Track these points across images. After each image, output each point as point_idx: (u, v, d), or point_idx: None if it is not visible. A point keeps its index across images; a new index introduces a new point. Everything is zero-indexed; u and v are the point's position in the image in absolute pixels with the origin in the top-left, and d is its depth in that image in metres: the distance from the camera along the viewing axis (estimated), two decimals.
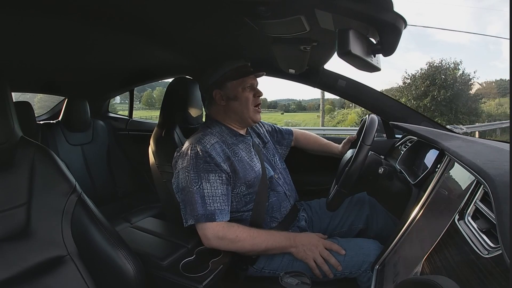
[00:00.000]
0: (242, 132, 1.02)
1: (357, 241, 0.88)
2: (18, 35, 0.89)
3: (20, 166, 0.66)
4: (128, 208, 1.66)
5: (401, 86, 12.70)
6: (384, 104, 1.25)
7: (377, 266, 0.76)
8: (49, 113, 2.12)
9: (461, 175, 0.62)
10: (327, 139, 1.29)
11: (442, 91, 11.30)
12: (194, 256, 0.80)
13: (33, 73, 1.45)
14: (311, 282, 0.69)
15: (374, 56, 0.63)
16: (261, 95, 0.99)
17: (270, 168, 1.00)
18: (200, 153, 0.86)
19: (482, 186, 0.51)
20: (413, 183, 0.80)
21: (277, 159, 1.09)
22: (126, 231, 0.91)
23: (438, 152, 0.80)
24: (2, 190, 0.62)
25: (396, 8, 0.54)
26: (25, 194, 0.65)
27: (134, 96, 2.17)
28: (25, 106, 1.61)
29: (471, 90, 12.18)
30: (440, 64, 11.95)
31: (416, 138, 1.01)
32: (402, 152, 1.02)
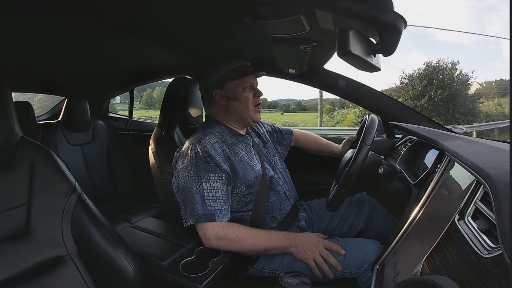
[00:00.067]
0: (242, 132, 1.02)
1: (357, 241, 0.88)
2: (18, 35, 0.89)
3: (20, 166, 0.66)
4: (128, 208, 1.66)
5: (399, 86, 12.68)
6: (384, 104, 1.25)
7: (377, 266, 0.76)
8: (49, 113, 2.12)
9: (461, 175, 0.62)
10: (327, 139, 1.29)
11: (440, 91, 11.26)
12: (194, 256, 0.80)
13: (33, 73, 1.45)
14: (311, 282, 0.69)
15: (374, 56, 0.63)
16: (261, 95, 0.99)
17: (270, 168, 1.00)
18: (200, 153, 0.86)
19: (482, 186, 0.51)
20: (413, 183, 0.80)
21: (277, 159, 1.09)
22: (126, 231, 0.91)
23: (438, 152, 0.80)
24: (2, 190, 0.62)
25: (396, 8, 0.54)
26: (25, 194, 0.65)
27: (134, 96, 2.17)
28: (25, 106, 1.61)
29: (469, 90, 12.14)
30: (437, 64, 11.93)
31: (416, 138, 1.01)
32: (402, 152, 1.02)
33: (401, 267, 0.66)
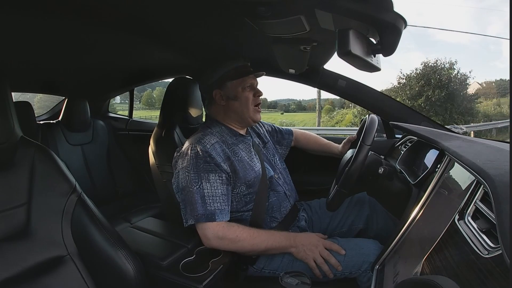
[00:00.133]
0: (242, 132, 1.02)
1: (357, 241, 0.89)
2: (18, 35, 0.89)
3: (20, 166, 0.66)
4: (128, 208, 1.66)
5: (396, 86, 12.59)
6: (384, 104, 1.25)
7: (377, 266, 0.76)
8: (49, 113, 2.12)
9: (461, 175, 0.62)
10: (326, 139, 1.29)
11: (437, 91, 11.19)
12: (194, 256, 0.81)
13: (33, 73, 1.45)
14: (311, 282, 0.69)
15: (374, 56, 0.63)
16: (261, 94, 0.99)
17: (270, 168, 1.00)
18: (200, 153, 0.86)
19: (482, 186, 0.51)
20: (413, 183, 0.80)
21: (277, 159, 1.09)
22: (126, 231, 0.91)
23: (438, 152, 0.80)
24: (2, 190, 0.62)
25: (396, 8, 0.54)
26: (25, 194, 0.65)
27: (134, 96, 2.17)
28: (25, 106, 1.61)
29: (467, 90, 12.08)
30: (435, 64, 11.86)
31: (416, 138, 1.01)
32: (402, 152, 1.02)
33: (401, 267, 0.66)
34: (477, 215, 0.50)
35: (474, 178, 0.54)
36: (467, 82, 11.95)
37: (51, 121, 1.79)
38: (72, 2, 0.71)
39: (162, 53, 1.25)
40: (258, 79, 1.02)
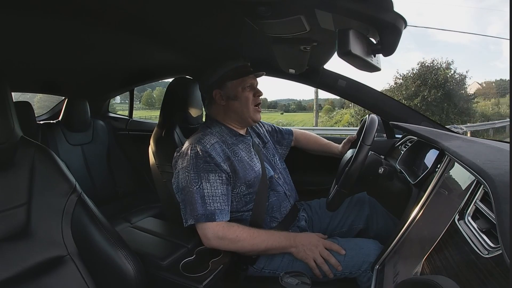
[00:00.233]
0: (242, 132, 1.02)
1: (357, 241, 0.88)
2: (18, 35, 0.89)
3: (20, 166, 0.66)
4: (128, 208, 1.66)
5: (393, 86, 12.51)
6: (384, 104, 1.25)
7: (377, 266, 0.76)
8: (49, 113, 2.12)
9: (461, 175, 0.62)
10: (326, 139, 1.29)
11: (433, 91, 11.12)
12: (194, 256, 0.81)
13: (33, 73, 1.45)
14: (311, 282, 0.69)
15: (374, 56, 0.63)
16: (261, 94, 0.99)
17: (270, 168, 1.00)
18: (200, 153, 0.86)
19: (482, 186, 0.51)
20: (413, 183, 0.80)
21: (277, 159, 1.09)
22: (126, 231, 0.91)
23: (438, 152, 0.80)
24: (2, 190, 0.62)
25: (397, 8, 0.54)
26: (25, 194, 0.65)
27: (134, 96, 2.17)
28: (25, 106, 1.60)
29: (464, 90, 12.02)
30: (431, 64, 11.80)
31: (416, 138, 1.01)
32: (402, 152, 1.02)
33: (401, 267, 0.66)
34: (477, 215, 0.50)
35: (474, 178, 0.54)
36: (464, 82, 11.92)
37: (51, 121, 1.79)
38: (72, 2, 0.71)
39: (162, 53, 1.25)
40: (258, 79, 1.02)
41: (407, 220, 0.70)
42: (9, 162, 0.64)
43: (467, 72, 12.96)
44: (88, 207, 0.70)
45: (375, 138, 0.81)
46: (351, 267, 0.83)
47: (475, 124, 10.34)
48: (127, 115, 2.19)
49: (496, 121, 10.98)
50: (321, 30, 0.73)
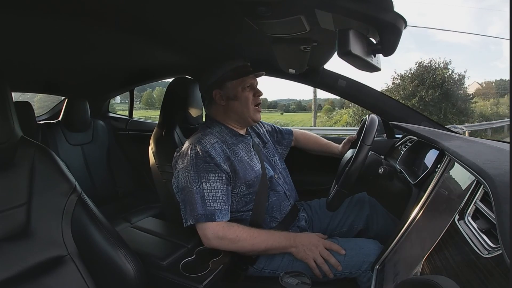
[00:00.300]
0: (242, 132, 1.02)
1: (357, 241, 0.89)
2: (18, 35, 0.89)
3: (20, 166, 0.66)
4: (128, 208, 1.66)
5: (391, 86, 12.42)
6: (384, 104, 1.25)
7: (377, 266, 0.76)
8: (49, 113, 2.12)
9: (461, 175, 0.62)
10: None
11: (430, 91, 11.04)
12: (194, 256, 0.81)
13: (33, 73, 1.45)
14: (311, 282, 0.69)
15: (374, 56, 0.62)
16: (261, 94, 1.00)
17: (270, 168, 1.00)
18: (200, 153, 0.86)
19: (482, 186, 0.51)
20: (413, 183, 0.80)
21: (277, 159, 1.09)
22: (126, 231, 0.91)
23: (438, 152, 0.80)
24: (2, 190, 0.62)
25: (397, 8, 0.54)
26: (25, 194, 0.65)
27: (134, 96, 2.17)
28: (25, 106, 1.61)
29: (462, 90, 11.96)
30: (429, 64, 11.71)
31: (416, 138, 1.01)
32: (402, 152, 1.02)
33: (401, 267, 0.66)
34: (477, 215, 0.50)
35: (474, 178, 0.54)
36: (463, 82, 11.87)
37: (51, 121, 1.78)
38: (72, 2, 0.71)
39: (162, 53, 1.25)
40: (258, 79, 1.02)
41: (407, 220, 0.70)
42: (9, 162, 0.64)
43: (465, 72, 12.88)
44: (88, 207, 0.70)
45: (375, 138, 0.81)
46: (351, 267, 0.83)
47: (473, 124, 10.32)
48: (127, 115, 2.19)
49: (495, 121, 10.97)
50: (321, 30, 0.73)
